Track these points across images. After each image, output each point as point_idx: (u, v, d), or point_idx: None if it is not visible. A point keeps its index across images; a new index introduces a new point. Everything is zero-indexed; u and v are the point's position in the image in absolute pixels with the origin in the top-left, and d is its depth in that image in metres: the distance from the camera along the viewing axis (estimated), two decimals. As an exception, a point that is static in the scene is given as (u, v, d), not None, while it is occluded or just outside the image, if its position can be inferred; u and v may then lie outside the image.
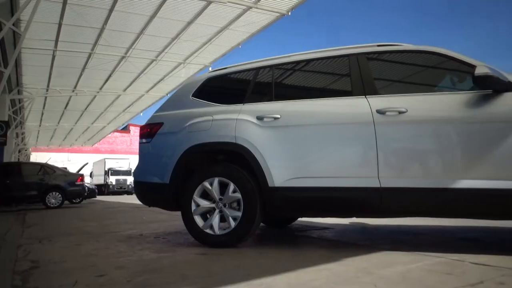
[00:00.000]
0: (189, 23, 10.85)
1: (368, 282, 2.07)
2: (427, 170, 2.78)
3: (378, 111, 2.91)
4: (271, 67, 3.57)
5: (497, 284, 1.96)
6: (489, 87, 2.67)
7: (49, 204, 11.68)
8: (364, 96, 3.03)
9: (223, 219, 3.28)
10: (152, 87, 17.14)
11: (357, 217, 3.42)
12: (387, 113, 2.88)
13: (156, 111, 3.97)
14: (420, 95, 2.94)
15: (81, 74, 14.63)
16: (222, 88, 3.91)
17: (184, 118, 3.60)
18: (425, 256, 2.67)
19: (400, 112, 2.85)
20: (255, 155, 3.16)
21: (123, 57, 13.18)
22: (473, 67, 2.71)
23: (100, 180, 30.66)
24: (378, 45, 3.27)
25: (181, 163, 3.43)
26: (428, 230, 4.10)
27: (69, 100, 18.49)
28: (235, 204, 3.28)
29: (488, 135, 2.64)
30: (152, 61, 13.72)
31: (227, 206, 3.27)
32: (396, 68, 3.35)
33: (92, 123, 24.90)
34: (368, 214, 3.29)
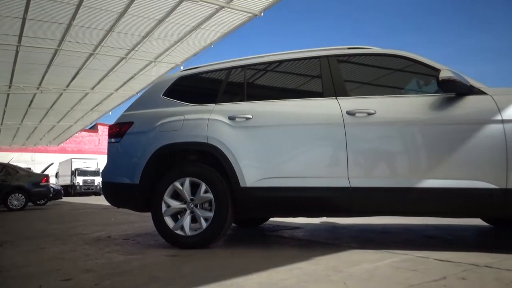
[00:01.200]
0: (160, 21, 10.68)
1: (337, 280, 2.11)
2: (394, 170, 2.87)
3: (348, 113, 2.97)
4: (243, 67, 3.57)
5: (459, 279, 2.04)
6: (452, 90, 2.78)
7: (11, 206, 11.19)
8: (334, 98, 3.09)
9: (194, 219, 3.25)
10: (122, 86, 16.74)
11: (327, 216, 3.48)
12: (356, 114, 2.95)
13: (126, 110, 3.89)
14: (388, 97, 3.03)
15: (46, 71, 14.08)
16: (194, 88, 3.88)
17: (155, 117, 3.54)
18: (392, 253, 2.75)
19: (369, 114, 2.92)
20: (227, 155, 3.16)
21: (91, 54, 12.80)
22: (437, 70, 2.83)
23: (66, 181, 29.67)
24: (349, 48, 3.35)
25: (151, 163, 3.37)
26: (395, 228, 4.22)
27: (33, 97, 17.74)
28: (206, 205, 3.26)
29: (450, 137, 2.76)
30: (122, 59, 13.40)
31: (198, 207, 3.24)
32: (366, 71, 3.44)
33: (58, 122, 24.01)
34: (338, 214, 3.36)
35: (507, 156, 2.60)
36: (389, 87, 3.32)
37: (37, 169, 19.37)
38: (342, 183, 2.90)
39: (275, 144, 3.13)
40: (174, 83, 3.75)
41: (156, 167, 3.41)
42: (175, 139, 3.36)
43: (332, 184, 2.93)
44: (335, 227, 4.50)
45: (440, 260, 2.49)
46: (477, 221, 4.19)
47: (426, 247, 2.99)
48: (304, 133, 3.09)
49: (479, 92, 2.79)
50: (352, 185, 2.88)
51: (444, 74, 2.73)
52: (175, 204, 3.30)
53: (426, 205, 2.82)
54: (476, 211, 2.94)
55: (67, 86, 16.21)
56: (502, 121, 2.65)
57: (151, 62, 13.89)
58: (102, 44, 12.05)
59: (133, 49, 12.63)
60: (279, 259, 2.70)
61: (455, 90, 2.78)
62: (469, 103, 2.77)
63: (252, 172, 3.10)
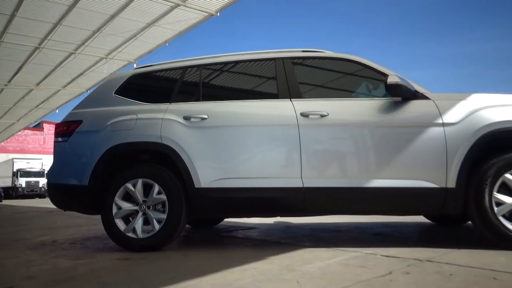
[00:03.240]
0: (113, 16, 10.30)
1: (291, 278, 2.15)
2: (345, 171, 2.98)
3: (302, 114, 3.04)
4: (199, 66, 3.54)
5: (403, 274, 2.16)
6: (398, 94, 2.94)
7: None
8: (289, 99, 3.14)
9: (147, 221, 3.17)
10: (70, 82, 15.94)
11: (281, 216, 3.54)
12: (310, 116, 3.02)
13: (75, 108, 3.71)
14: (340, 100, 3.14)
15: (-16, 65, 13.11)
16: (148, 86, 3.78)
17: (106, 116, 3.41)
18: (343, 251, 2.85)
19: (322, 116, 3.01)
20: (181, 156, 3.11)
21: (36, 48, 12.07)
22: (385, 75, 2.98)
23: (7, 183, 27.78)
24: (303, 51, 3.43)
25: (101, 163, 3.24)
26: (346, 226, 4.38)
27: (-30, 93, 16.45)
28: (159, 206, 3.19)
29: (396, 139, 2.92)
30: (71, 54, 12.76)
31: (151, 208, 3.16)
32: (319, 74, 3.53)
33: (-1, 119, 22.42)
34: (292, 213, 3.43)
35: (447, 158, 2.78)
36: (341, 90, 3.45)
37: (-27, 170, 17.94)
38: (296, 183, 2.96)
39: (231, 144, 3.13)
40: (126, 81, 3.64)
41: (107, 167, 3.28)
42: (127, 138, 3.26)
43: (286, 184, 2.98)
44: (288, 226, 4.58)
45: (387, 256, 2.61)
46: (421, 219, 4.45)
47: (375, 244, 3.13)
48: (259, 134, 3.11)
49: (422, 97, 2.97)
50: (305, 185, 2.95)
51: (392, 79, 2.87)
52: (127, 206, 3.20)
53: (375, 204, 2.96)
54: (420, 209, 3.14)
55: (9, 81, 15.17)
56: (443, 125, 2.83)
57: (102, 58, 13.36)
58: (49, 38, 11.40)
59: (83, 44, 12.07)
60: (233, 259, 2.70)
61: (401, 94, 2.94)
62: (414, 107, 2.94)
63: (207, 173, 3.08)
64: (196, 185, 3.06)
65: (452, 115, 2.85)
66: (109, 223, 3.19)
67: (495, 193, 2.73)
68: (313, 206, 3.03)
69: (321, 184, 2.94)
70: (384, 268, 2.29)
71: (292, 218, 5.05)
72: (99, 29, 11.03)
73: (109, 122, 3.34)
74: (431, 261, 2.42)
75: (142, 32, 11.40)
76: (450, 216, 3.77)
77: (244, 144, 3.12)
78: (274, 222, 4.98)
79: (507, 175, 2.73)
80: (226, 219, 5.05)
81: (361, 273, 2.20)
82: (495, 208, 2.71)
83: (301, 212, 3.23)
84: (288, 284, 2.05)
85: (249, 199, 3.07)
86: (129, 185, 3.18)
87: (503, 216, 2.71)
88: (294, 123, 3.03)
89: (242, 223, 4.97)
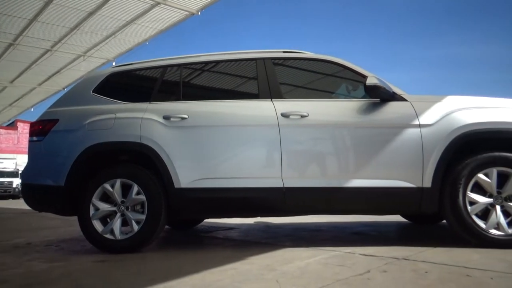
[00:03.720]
0: (91, 13, 10.12)
1: (270, 278, 2.16)
2: (325, 171, 3.01)
3: (283, 115, 3.05)
4: (179, 66, 3.51)
5: (381, 272, 2.20)
6: (377, 96, 2.99)
7: None
8: (270, 100, 3.15)
9: (125, 223, 3.12)
10: (46, 80, 15.57)
11: (262, 216, 3.54)
12: (291, 116, 3.04)
13: (51, 106, 3.62)
14: (320, 100, 3.18)
15: (-45, 61, 12.64)
16: (127, 85, 3.72)
17: (83, 115, 3.34)
18: (322, 250, 2.88)
19: (302, 116, 3.03)
20: (161, 156, 3.08)
21: (11, 45, 11.74)
22: (364, 77, 3.03)
23: (-21, 183, 26.79)
24: (284, 52, 3.45)
25: (78, 163, 3.17)
26: (326, 226, 4.42)
27: None
28: (138, 207, 3.15)
29: (375, 139, 2.97)
30: (47, 51, 12.46)
31: (130, 209, 3.12)
32: (300, 74, 3.56)
33: (-30, 118, 21.67)
34: (272, 213, 3.44)
35: (423, 158, 2.85)
36: (321, 91, 3.49)
37: None
38: (276, 183, 2.98)
39: (211, 144, 3.11)
40: (105, 80, 3.57)
41: (84, 167, 3.21)
42: (105, 138, 3.20)
43: (266, 184, 2.99)
44: (269, 226, 4.60)
45: (365, 255, 2.65)
46: (397, 218, 4.54)
47: (353, 243, 3.17)
48: (240, 134, 3.11)
49: (400, 98, 3.03)
50: (286, 186, 2.96)
51: (371, 81, 2.92)
52: (105, 207, 3.14)
53: (354, 203, 3.01)
54: (397, 208, 3.21)
55: (-19, 78, 14.69)
56: (419, 126, 2.90)
57: (80, 56, 13.10)
58: (24, 34, 11.10)
59: (59, 41, 11.81)
60: (213, 260, 2.69)
61: (379, 96, 2.99)
62: (392, 108, 3.00)
63: (187, 173, 3.06)
64: (176, 185, 3.04)
65: (428, 117, 2.92)
66: (86, 225, 3.12)
67: (468, 192, 2.81)
68: (294, 206, 3.05)
69: (301, 184, 2.97)
70: (363, 267, 2.32)
71: (273, 218, 5.07)
72: (76, 26, 10.80)
73: (87, 121, 3.28)
74: (408, 259, 2.48)
75: (121, 30, 11.24)
76: (426, 215, 3.86)
77: (225, 144, 3.11)
78: (254, 222, 4.99)
79: (480, 175, 2.81)
80: (206, 220, 5.02)
81: (340, 272, 2.23)
82: (469, 207, 2.79)
83: (282, 212, 3.25)
84: (268, 284, 2.06)
85: (229, 199, 3.06)
86: (107, 186, 3.13)
87: (476, 215, 2.80)
88: (275, 123, 3.04)
89: (222, 223, 4.95)
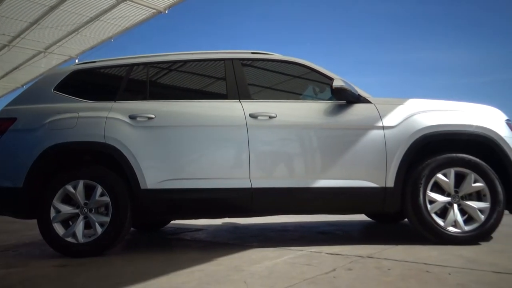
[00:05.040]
0: (53, 8, 9.71)
1: (238, 279, 2.16)
2: (292, 171, 3.05)
3: (251, 115, 3.06)
4: (146, 64, 3.44)
5: (346, 270, 2.25)
6: (343, 98, 3.06)
7: None
8: (238, 100, 3.15)
9: (88, 225, 3.01)
10: (3, 76, 14.80)
11: (229, 217, 3.54)
12: (259, 117, 3.05)
13: (8, 104, 3.43)
14: (287, 102, 3.21)
15: None
16: (91, 83, 3.61)
17: (44, 113, 3.20)
18: (289, 250, 2.91)
19: (270, 117, 3.05)
20: (127, 156, 3.00)
21: (-37, 38, 11.07)
22: (331, 79, 3.09)
23: None
24: (252, 53, 3.46)
25: (38, 164, 3.04)
26: (293, 226, 4.47)
27: None
28: (102, 209, 3.05)
29: (341, 140, 3.04)
30: (4, 46, 11.85)
31: (93, 211, 3.02)
32: (268, 76, 3.58)
33: None
34: (240, 214, 3.44)
35: (386, 159, 2.95)
36: (289, 92, 3.52)
37: None
38: (244, 184, 2.98)
39: (178, 145, 3.07)
40: (68, 77, 3.44)
41: (44, 168, 3.08)
42: (68, 138, 3.09)
43: (234, 185, 2.99)
44: (237, 227, 4.59)
45: (331, 254, 2.71)
46: (362, 217, 4.66)
47: (319, 242, 3.23)
48: (208, 134, 3.09)
49: (365, 101, 3.11)
50: (254, 186, 2.97)
51: (337, 83, 2.99)
52: (66, 209, 3.02)
53: (321, 203, 3.06)
54: (362, 207, 3.32)
55: None
56: (383, 127, 3.00)
57: (40, 52, 12.55)
58: (-22, 28, 10.51)
59: (18, 36, 11.26)
60: (180, 262, 2.65)
61: (345, 98, 3.06)
62: (357, 110, 3.08)
63: (154, 174, 3.00)
64: (142, 186, 2.98)
65: (391, 119, 3.02)
66: (46, 228, 3.00)
67: (428, 192, 2.93)
68: (261, 207, 3.07)
69: (269, 185, 2.99)
70: (328, 266, 2.37)
71: (240, 218, 5.07)
72: (37, 20, 10.34)
73: (48, 120, 3.14)
74: (372, 257, 2.55)
75: (85, 26, 10.87)
76: (388, 214, 3.99)
77: (192, 145, 3.08)
78: (222, 223, 4.97)
79: (439, 175, 2.94)
80: (173, 221, 4.95)
81: (306, 271, 2.26)
82: (429, 206, 2.92)
83: (250, 213, 3.26)
84: (236, 285, 2.06)
85: (197, 200, 3.04)
86: (69, 187, 3.02)
87: (435, 213, 2.93)
88: (243, 124, 3.05)
89: (189, 224, 4.90)
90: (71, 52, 12.75)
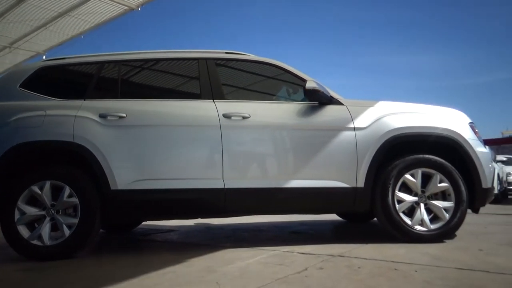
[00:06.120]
0: (19, 1, 9.33)
1: (211, 280, 2.15)
2: (265, 172, 3.07)
3: (225, 115, 3.05)
4: (117, 62, 3.36)
5: (317, 269, 2.28)
6: (316, 99, 3.11)
7: None
8: (212, 100, 3.14)
9: (55, 227, 2.92)
10: (-36, 72, 14.09)
11: (202, 217, 3.51)
12: (232, 117, 3.05)
13: (-31, 102, 3.28)
14: (261, 102, 3.23)
15: None
16: (59, 81, 3.49)
17: (8, 111, 3.07)
18: (262, 250, 2.92)
19: (244, 117, 3.06)
20: (96, 156, 2.93)
21: None
22: (304, 81, 3.13)
23: None
24: (226, 52, 3.45)
25: (2, 164, 2.91)
26: (266, 226, 4.50)
27: None
28: (71, 210, 2.96)
29: (313, 141, 3.08)
30: (-35, 40, 11.29)
31: (60, 213, 2.92)
32: (242, 76, 3.58)
33: None
34: (213, 215, 3.42)
35: (357, 159, 3.02)
36: (262, 93, 3.54)
37: None
38: (217, 184, 2.97)
39: (150, 145, 3.02)
40: (34, 74, 3.31)
41: (8, 168, 2.96)
42: (34, 137, 2.98)
43: (207, 185, 2.98)
44: (209, 228, 4.57)
45: (303, 253, 2.74)
46: (333, 217, 4.74)
47: (292, 242, 3.26)
48: (180, 134, 3.06)
49: (337, 102, 3.17)
50: (227, 186, 2.97)
51: (310, 84, 3.03)
52: (32, 211, 2.91)
53: (294, 203, 3.10)
54: (334, 207, 3.38)
55: None
56: (354, 129, 3.06)
57: (5, 47, 12.02)
58: None
59: (-20, 30, 10.75)
60: (151, 264, 2.61)
61: (318, 99, 3.11)
62: (329, 111, 3.14)
63: (125, 174, 2.94)
64: (112, 187, 2.91)
65: (362, 120, 3.09)
66: (10, 230, 2.87)
67: (397, 191, 3.02)
68: (235, 207, 3.07)
69: (242, 185, 2.99)
70: (300, 265, 2.40)
71: (213, 219, 5.05)
72: (2, 14, 9.90)
73: (12, 118, 3.02)
74: (342, 256, 2.60)
75: (54, 22, 10.49)
76: (359, 214, 4.08)
77: (165, 145, 3.04)
78: (195, 223, 4.93)
79: (407, 176, 3.04)
80: (144, 222, 4.86)
81: (279, 271, 2.28)
82: (397, 206, 3.01)
83: (223, 213, 3.25)
84: (208, 286, 2.05)
85: (169, 201, 3.00)
86: (35, 188, 2.91)
87: (403, 212, 3.02)
88: (217, 124, 3.03)
89: (161, 225, 4.83)
90: (38, 48, 12.27)
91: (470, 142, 3.12)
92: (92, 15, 10.22)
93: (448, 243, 2.97)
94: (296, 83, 3.29)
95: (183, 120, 3.09)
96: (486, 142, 3.55)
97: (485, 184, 3.11)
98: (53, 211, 2.91)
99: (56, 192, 2.93)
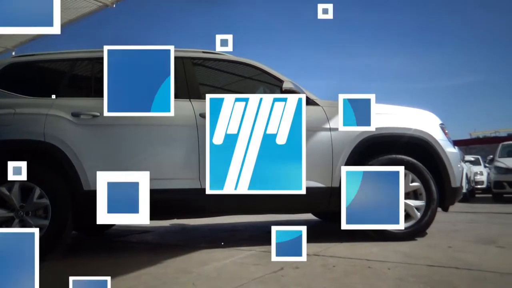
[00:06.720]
0: (-14, -6, 8.97)
1: (186, 281, 2.13)
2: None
3: (201, 115, 3.03)
4: (91, 59, 3.28)
5: (293, 269, 2.31)
6: (292, 100, 3.12)
7: None
8: (188, 100, 3.11)
9: (25, 229, 2.82)
10: None
11: (178, 218, 3.48)
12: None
13: None
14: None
15: None
16: (29, 78, 3.37)
17: (-26, 109, 2.95)
18: (238, 250, 2.92)
19: (220, 118, 3.04)
20: (68, 156, 2.85)
21: None
22: (281, 81, 3.14)
23: None
24: (203, 52, 3.42)
25: (-33, 164, 2.79)
26: (243, 226, 4.50)
27: None
28: (41, 212, 2.87)
29: (290, 142, 3.09)
30: None
31: (30, 214, 2.83)
32: (219, 76, 3.57)
33: None
34: (190, 215, 3.40)
35: (333, 160, 3.06)
36: (239, 92, 3.53)
37: None
38: (194, 184, 2.95)
39: (125, 144, 2.97)
40: (3, 70, 3.19)
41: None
42: (2, 136, 2.87)
43: (184, 186, 2.95)
44: (185, 228, 4.53)
45: (279, 253, 2.75)
46: (308, 216, 4.79)
47: (268, 242, 3.23)
48: (156, 134, 3.02)
49: (313, 103, 3.21)
50: (204, 187, 2.94)
51: (287, 85, 3.05)
52: (0, 213, 2.81)
53: (272, 203, 3.11)
54: (311, 207, 3.43)
55: None
56: (330, 129, 3.11)
57: (-29, 42, 11.53)
58: None
59: None
60: (126, 266, 2.56)
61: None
62: (306, 112, 3.16)
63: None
64: (85, 188, 2.84)
65: (338, 121, 3.13)
66: (-24, 233, 2.76)
67: (371, 191, 3.08)
68: (211, 207, 3.06)
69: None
70: (277, 265, 2.41)
71: (190, 220, 5.00)
72: (-33, 7, 9.50)
73: (-21, 117, 2.90)
74: (318, 255, 2.64)
75: (24, 16, 10.15)
76: (333, 213, 4.13)
77: (140, 144, 2.99)
78: (170, 224, 4.87)
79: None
80: (119, 223, 4.77)
81: (255, 271, 2.29)
82: (371, 205, 3.06)
83: (200, 214, 3.23)
84: (184, 287, 2.03)
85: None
86: (3, 189, 2.80)
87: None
88: (193, 123, 3.01)
89: (136, 226, 4.74)
90: (7, 43, 11.82)
91: (441, 142, 3.23)
92: (65, 11, 9.92)
93: (419, 241, 3.06)
94: (273, 83, 3.30)
95: (159, 119, 3.04)
96: (455, 143, 3.68)
97: (454, 183, 3.23)
98: (22, 212, 2.81)
99: (26, 193, 2.84)
